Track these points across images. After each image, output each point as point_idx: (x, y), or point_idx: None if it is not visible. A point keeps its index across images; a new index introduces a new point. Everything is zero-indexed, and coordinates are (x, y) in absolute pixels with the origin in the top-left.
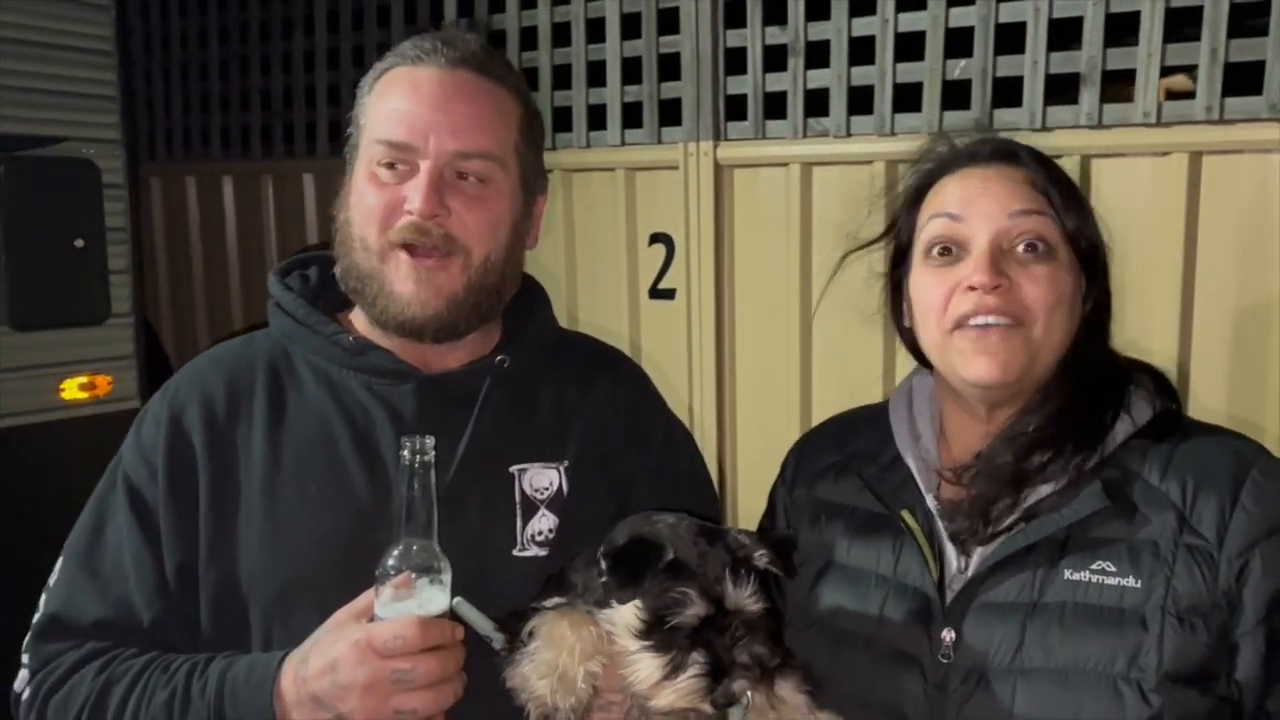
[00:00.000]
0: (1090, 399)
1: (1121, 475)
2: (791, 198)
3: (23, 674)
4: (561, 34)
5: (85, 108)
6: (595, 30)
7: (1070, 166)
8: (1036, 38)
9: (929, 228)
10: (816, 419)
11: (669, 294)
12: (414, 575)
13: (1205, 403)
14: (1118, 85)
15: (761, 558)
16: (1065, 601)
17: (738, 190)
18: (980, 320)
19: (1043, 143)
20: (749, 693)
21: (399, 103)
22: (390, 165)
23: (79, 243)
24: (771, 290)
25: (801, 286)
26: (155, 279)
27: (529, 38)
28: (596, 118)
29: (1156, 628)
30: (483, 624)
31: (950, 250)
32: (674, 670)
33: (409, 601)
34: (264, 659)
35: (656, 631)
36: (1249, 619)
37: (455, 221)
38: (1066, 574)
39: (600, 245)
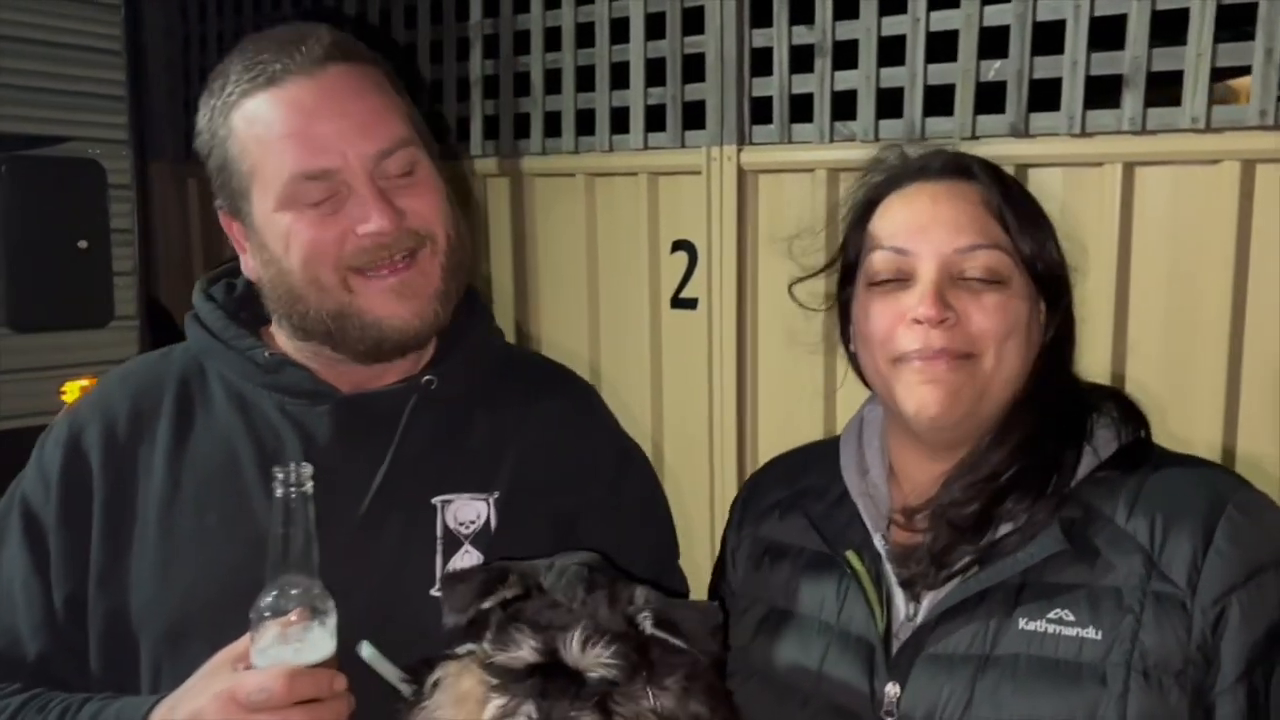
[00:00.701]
0: (1052, 433)
1: (1084, 514)
2: (817, 204)
3: None
4: (585, 35)
5: (91, 107)
6: (619, 31)
7: (1111, 174)
8: (1076, 37)
9: (873, 259)
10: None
11: (691, 303)
12: (292, 618)
13: (1257, 428)
14: (1162, 88)
15: (645, 619)
16: (1019, 654)
17: (762, 196)
18: (921, 357)
19: (1082, 149)
20: None
21: (286, 129)
22: (316, 199)
23: (82, 244)
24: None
25: (826, 297)
26: (190, 277)
27: (553, 38)
28: (619, 120)
29: (1119, 685)
30: (389, 671)
31: (887, 280)
32: (505, 716)
33: (286, 647)
34: (134, 704)
35: (497, 670)
36: (1227, 675)
37: (412, 218)
38: (1021, 623)
39: (622, 252)
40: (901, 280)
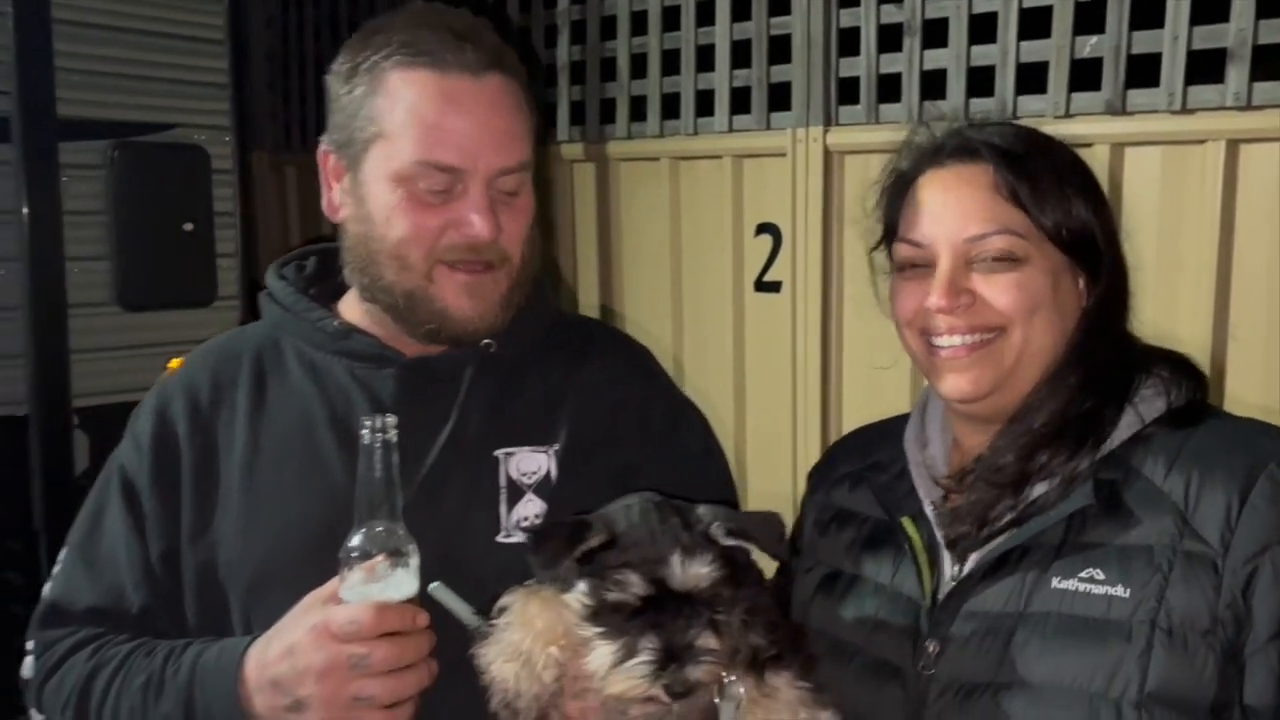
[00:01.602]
0: (1096, 394)
1: (1124, 475)
2: None
3: (28, 660)
4: (671, 18)
5: (196, 95)
6: (704, 14)
7: (1214, 151)
8: (1178, 11)
9: (897, 249)
10: None
11: (775, 286)
12: (379, 558)
13: None
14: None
15: (718, 529)
16: (1050, 611)
17: (848, 178)
18: (947, 341)
19: (1182, 126)
20: (740, 688)
21: (439, 119)
22: (437, 189)
23: (188, 226)
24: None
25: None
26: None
27: (639, 22)
28: (704, 104)
29: (1142, 642)
30: (461, 610)
31: (910, 266)
32: (624, 656)
33: (373, 585)
34: (233, 644)
35: (605, 616)
36: (1260, 634)
37: (505, 237)
38: (1055, 582)
39: (706, 235)
40: (925, 266)
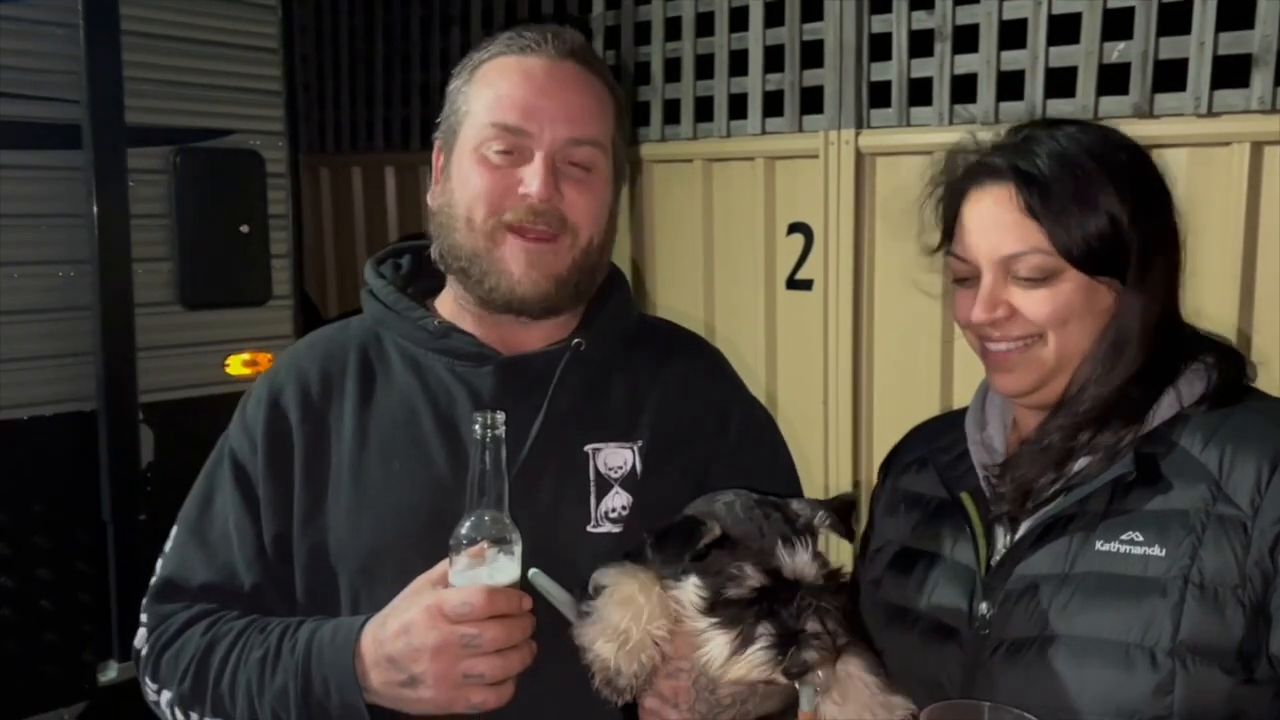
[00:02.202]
0: (1142, 380)
1: (1164, 449)
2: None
3: (141, 631)
4: (705, 23)
5: (252, 102)
6: (738, 19)
7: (1239, 154)
8: (1204, 17)
9: (949, 262)
10: None
11: (806, 284)
12: (486, 545)
13: None
14: None
15: (822, 520)
16: (1092, 571)
17: (879, 179)
18: (995, 346)
19: (1208, 129)
20: (819, 671)
21: (511, 89)
22: (502, 149)
23: (244, 228)
24: (912, 283)
25: (945, 280)
26: (323, 263)
27: (673, 28)
28: (737, 106)
29: (1175, 595)
30: (559, 595)
31: (963, 278)
32: (742, 644)
33: (480, 570)
34: (348, 622)
35: (720, 607)
36: None
37: (567, 204)
38: (1098, 545)
39: (738, 234)
40: (974, 278)
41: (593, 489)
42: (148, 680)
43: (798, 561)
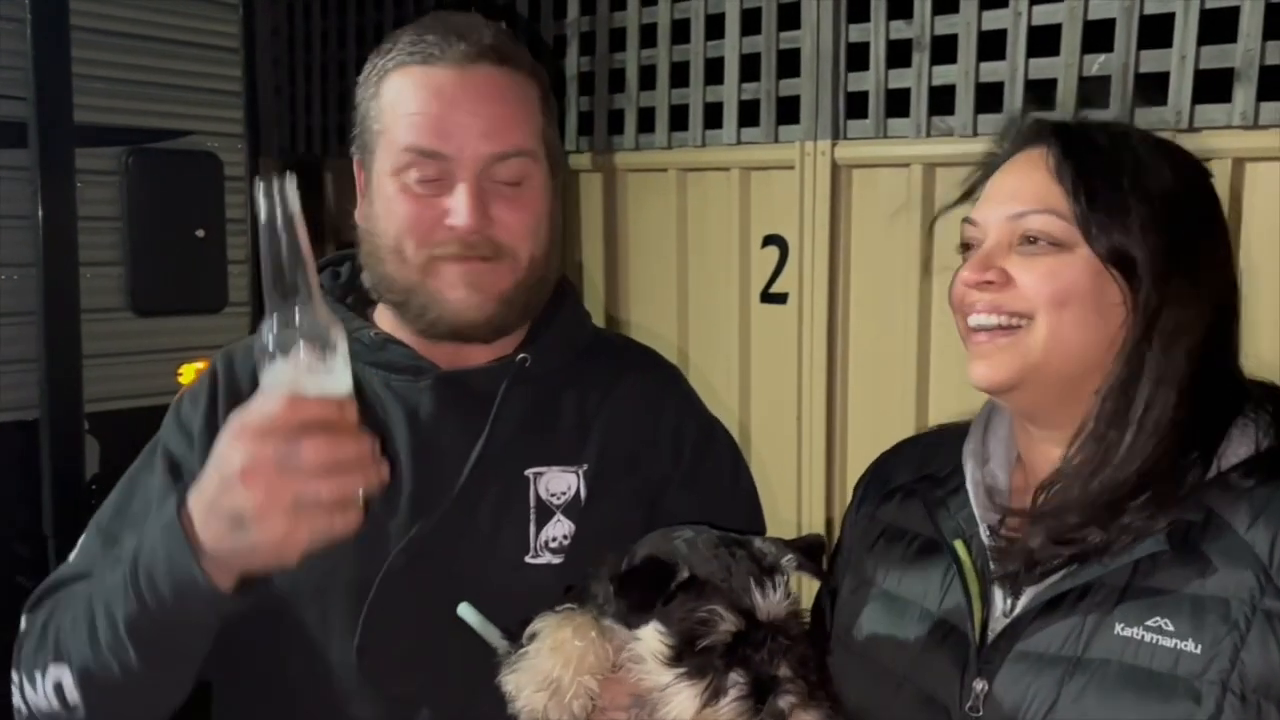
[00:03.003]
0: (1189, 444)
1: (1204, 518)
2: (913, 200)
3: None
4: (681, 30)
5: (211, 102)
6: (714, 26)
7: (1221, 170)
8: (1186, 30)
9: (962, 228)
10: None
11: (781, 298)
12: (300, 348)
13: None
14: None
15: (790, 562)
16: (1111, 659)
17: (856, 191)
18: (977, 320)
19: (1190, 145)
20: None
21: (422, 107)
22: (422, 178)
23: (200, 233)
24: (889, 297)
25: (920, 293)
26: None
27: (648, 35)
28: (713, 115)
29: (1211, 705)
30: (490, 633)
31: (969, 247)
32: (714, 695)
33: (301, 379)
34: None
35: (688, 656)
36: None
37: (500, 229)
38: (1118, 628)
39: (712, 246)
40: (978, 247)
41: (533, 516)
42: (12, 676)
43: (770, 603)
